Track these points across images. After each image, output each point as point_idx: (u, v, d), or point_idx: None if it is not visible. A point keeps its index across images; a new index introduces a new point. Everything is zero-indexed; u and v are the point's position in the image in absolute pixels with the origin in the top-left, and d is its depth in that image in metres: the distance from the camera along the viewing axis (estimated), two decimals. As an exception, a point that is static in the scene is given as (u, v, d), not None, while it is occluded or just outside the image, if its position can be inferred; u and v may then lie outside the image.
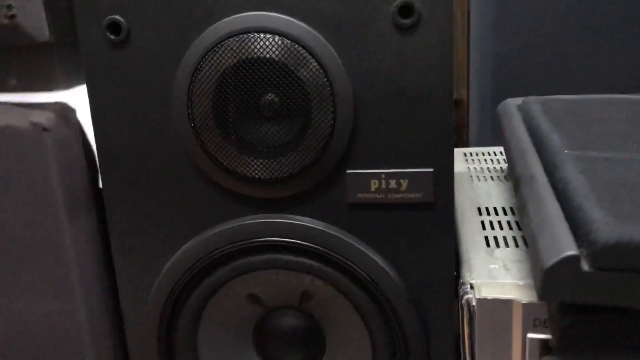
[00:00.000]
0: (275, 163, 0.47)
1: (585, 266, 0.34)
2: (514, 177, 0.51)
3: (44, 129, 0.51)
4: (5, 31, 0.52)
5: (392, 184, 0.47)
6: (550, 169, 0.46)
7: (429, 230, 0.48)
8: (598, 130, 0.54)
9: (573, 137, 0.51)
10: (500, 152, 0.81)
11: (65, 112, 0.54)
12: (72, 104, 0.55)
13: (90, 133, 0.54)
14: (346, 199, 0.48)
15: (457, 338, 0.49)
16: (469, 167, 0.75)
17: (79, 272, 0.55)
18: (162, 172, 0.50)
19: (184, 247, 0.51)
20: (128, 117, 0.50)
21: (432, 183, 0.47)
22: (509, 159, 0.55)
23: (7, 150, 0.52)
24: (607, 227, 0.34)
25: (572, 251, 0.34)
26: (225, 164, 0.48)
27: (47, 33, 0.51)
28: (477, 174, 0.73)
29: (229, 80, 0.46)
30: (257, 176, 0.48)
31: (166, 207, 0.51)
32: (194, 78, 0.47)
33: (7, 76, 0.57)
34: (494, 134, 1.04)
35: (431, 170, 0.47)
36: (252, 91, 0.46)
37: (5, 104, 0.54)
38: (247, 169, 0.48)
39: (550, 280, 0.34)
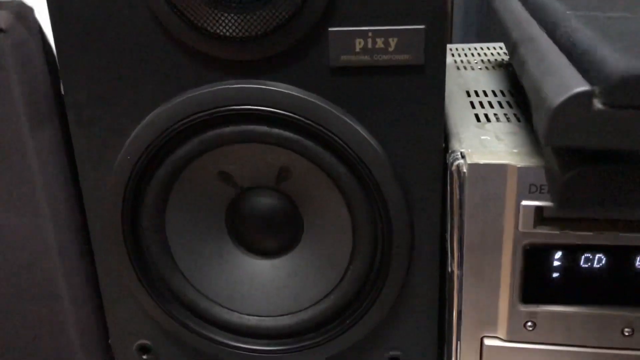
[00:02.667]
0: (248, 18, 0.42)
1: (597, 104, 0.31)
2: (509, 45, 0.48)
3: (1, 30, 0.46)
4: None
5: (380, 43, 0.43)
6: (551, 29, 0.42)
7: (418, 97, 0.44)
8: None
9: (575, 2, 0.47)
10: (487, 48, 0.77)
11: (23, 12, 0.48)
12: (30, 2, 0.50)
13: (51, 34, 0.49)
14: (328, 61, 0.44)
15: (443, 214, 0.46)
16: (455, 60, 0.71)
17: (44, 184, 0.51)
18: (122, 31, 0.45)
19: (147, 118, 0.46)
20: (82, -31, 0.44)
21: (423, 42, 0.42)
22: (504, 31, 0.51)
23: (-41, 55, 0.46)
24: (622, 62, 0.31)
25: (584, 87, 0.31)
26: (193, 19, 0.43)
27: None
28: (463, 65, 0.69)
29: None
30: (228, 34, 0.43)
31: (128, 72, 0.46)
32: None
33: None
34: (479, 36, 1.00)
35: (423, 27, 0.42)
36: None
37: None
38: (218, 25, 0.43)
39: (558, 120, 0.31)
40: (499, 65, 0.67)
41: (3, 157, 0.50)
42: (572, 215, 0.41)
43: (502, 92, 0.57)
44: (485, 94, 0.56)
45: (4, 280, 0.54)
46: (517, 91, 0.57)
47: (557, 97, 0.31)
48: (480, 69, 0.67)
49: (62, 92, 0.50)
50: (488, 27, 0.99)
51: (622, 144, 0.31)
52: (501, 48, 0.77)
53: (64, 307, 0.55)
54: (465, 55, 0.74)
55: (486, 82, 0.60)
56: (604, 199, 0.34)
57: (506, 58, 0.71)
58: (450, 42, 0.98)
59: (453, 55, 0.74)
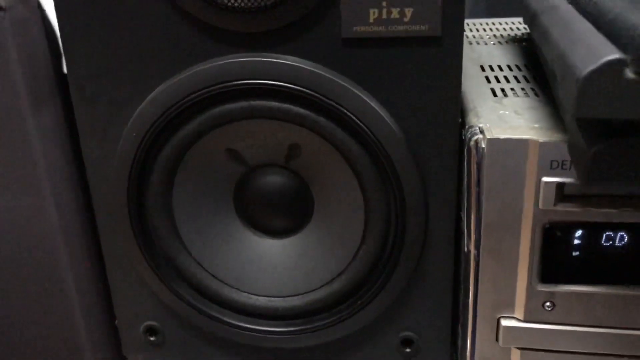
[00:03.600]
0: (257, -12, 0.41)
1: (629, 73, 0.29)
2: (529, 15, 0.46)
3: (1, 8, 0.45)
4: None
5: (395, 13, 0.41)
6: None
7: (434, 70, 0.42)
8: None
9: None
10: (499, 23, 0.75)
11: None
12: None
13: (51, 12, 0.48)
14: (340, 33, 0.42)
15: (459, 192, 0.45)
16: (466, 35, 0.69)
17: (46, 164, 0.50)
18: (126, 3, 0.43)
19: (153, 93, 0.45)
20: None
21: (440, 12, 0.41)
22: (522, 1, 0.49)
23: (-42, 33, 0.45)
24: (657, 28, 0.29)
25: (615, 55, 0.29)
26: (199, -11, 0.41)
27: None
28: (475, 40, 0.67)
29: None
30: (236, 4, 0.41)
31: (132, 46, 0.44)
32: None
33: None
34: (489, 12, 0.97)
35: (439, -4, 0.40)
36: None
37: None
38: (225, -5, 0.41)
39: (588, 90, 0.29)
40: (512, 40, 0.66)
41: (4, 137, 0.49)
42: (595, 192, 0.40)
43: (517, 66, 0.55)
44: (501, 69, 0.54)
45: (7, 263, 0.53)
46: (534, 65, 0.55)
47: (586, 65, 0.29)
48: (493, 44, 0.65)
49: (64, 71, 0.48)
50: (497, 3, 0.96)
51: (656, 116, 0.29)
52: (513, 23, 0.75)
53: (69, 289, 0.54)
54: (477, 30, 0.72)
55: (500, 56, 0.59)
56: (633, 174, 0.32)
57: (519, 33, 0.69)
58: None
59: (464, 30, 0.72)
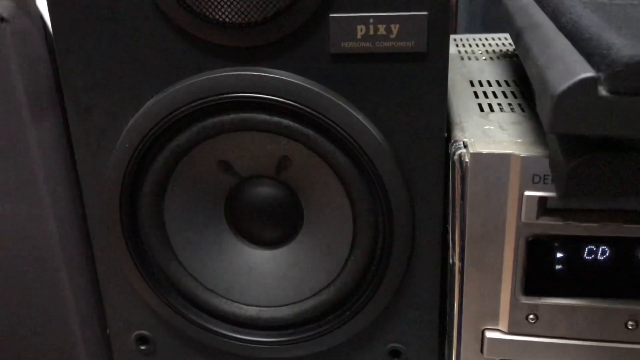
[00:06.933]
0: (247, 4, 0.42)
1: (602, 91, 0.30)
2: (514, 32, 0.47)
3: (3, 20, 0.46)
4: None
5: (381, 30, 0.42)
6: (556, 16, 0.41)
7: (420, 85, 0.43)
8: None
9: (580, -11, 0.46)
10: (492, 38, 0.76)
11: (24, 1, 0.48)
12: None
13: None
14: (328, 49, 0.43)
15: (445, 205, 0.46)
16: (459, 50, 0.70)
17: (45, 174, 0.50)
18: (120, 17, 0.44)
19: (146, 105, 0.46)
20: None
21: (425, 29, 0.42)
22: (509, 19, 0.50)
23: (-39, 44, 0.46)
24: (628, 48, 0.30)
25: (589, 73, 0.30)
26: (192, 5, 0.42)
27: None
28: (467, 55, 0.68)
29: None
30: (227, 19, 0.42)
31: (126, 59, 0.45)
32: None
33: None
34: (484, 26, 0.99)
35: (425, 14, 0.41)
36: None
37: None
38: (217, 11, 0.42)
39: (562, 106, 0.30)
40: (504, 56, 0.67)
41: (4, 147, 0.49)
42: (576, 206, 0.41)
43: (506, 82, 0.56)
44: (489, 84, 0.55)
45: (4, 271, 0.54)
46: (522, 81, 0.56)
47: (561, 83, 0.30)
48: (484, 59, 0.66)
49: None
50: (492, 17, 0.98)
51: (627, 132, 0.30)
52: (506, 39, 0.76)
53: (66, 297, 0.54)
54: (470, 45, 0.73)
55: (490, 72, 0.60)
56: (609, 188, 0.33)
57: (511, 48, 0.70)
58: (455, 33, 0.97)
59: (457, 45, 0.73)
